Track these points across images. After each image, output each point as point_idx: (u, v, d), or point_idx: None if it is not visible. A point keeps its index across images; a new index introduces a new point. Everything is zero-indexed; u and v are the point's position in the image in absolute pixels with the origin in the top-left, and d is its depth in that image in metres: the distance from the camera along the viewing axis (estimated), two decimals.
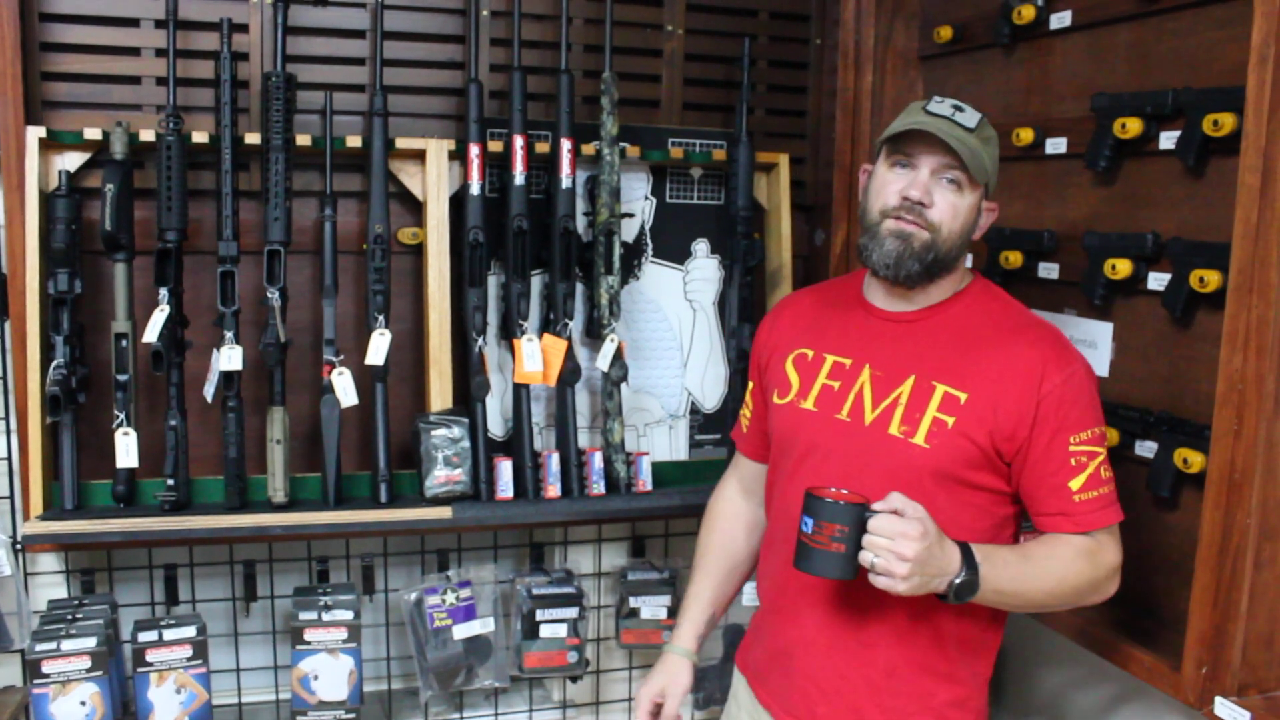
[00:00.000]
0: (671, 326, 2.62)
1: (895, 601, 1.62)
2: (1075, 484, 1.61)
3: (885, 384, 1.69)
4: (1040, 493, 1.63)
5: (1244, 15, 1.58)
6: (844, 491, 1.53)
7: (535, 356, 2.36)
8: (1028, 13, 2.09)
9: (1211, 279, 1.68)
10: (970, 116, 1.65)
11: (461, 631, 2.39)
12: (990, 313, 1.72)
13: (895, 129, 1.66)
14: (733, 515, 2.04)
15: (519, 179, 2.35)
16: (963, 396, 1.63)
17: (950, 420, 1.62)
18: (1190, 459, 1.73)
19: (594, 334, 2.46)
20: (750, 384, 1.99)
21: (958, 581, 1.51)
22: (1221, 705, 1.61)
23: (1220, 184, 1.73)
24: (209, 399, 2.24)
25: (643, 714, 1.92)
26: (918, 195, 1.63)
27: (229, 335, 2.19)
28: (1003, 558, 1.57)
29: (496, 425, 2.47)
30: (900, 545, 1.45)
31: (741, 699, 1.93)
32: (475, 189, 2.33)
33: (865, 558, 1.48)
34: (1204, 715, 1.65)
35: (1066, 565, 1.61)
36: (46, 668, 2.12)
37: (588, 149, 2.42)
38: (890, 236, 1.65)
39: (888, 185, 1.67)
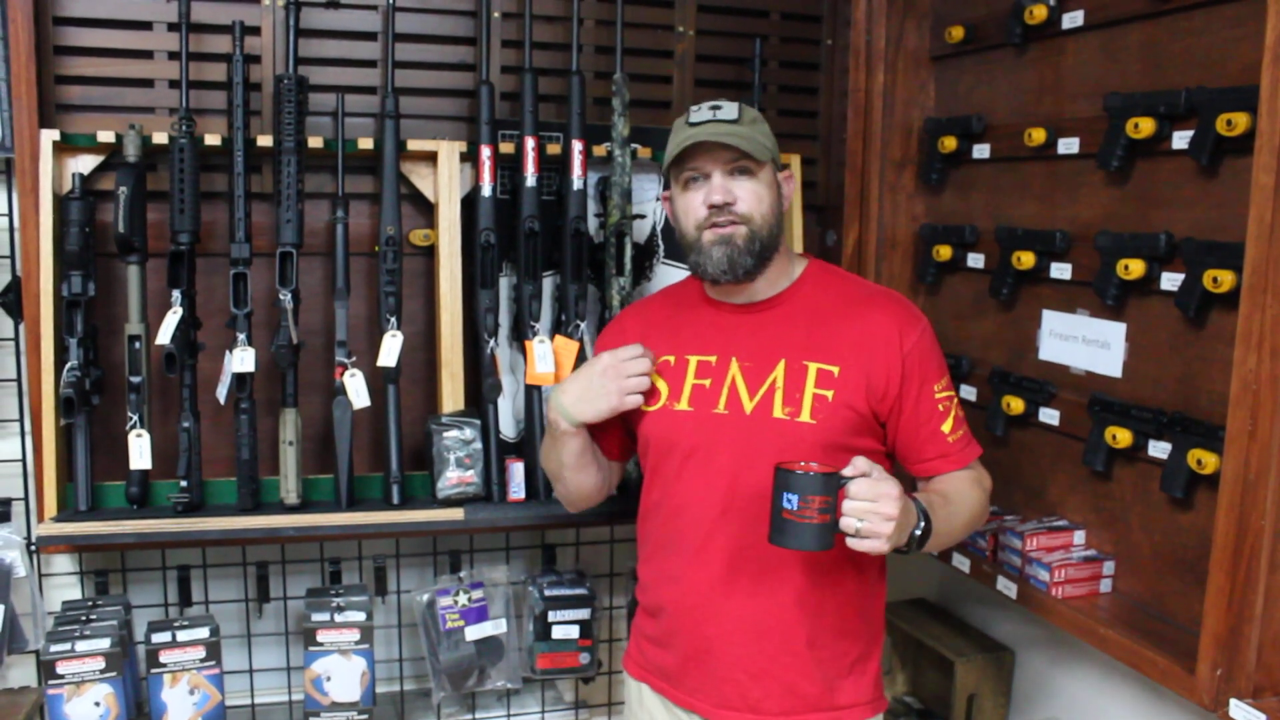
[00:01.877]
0: None
1: (804, 577, 1.73)
2: (946, 427, 1.77)
3: (757, 372, 1.76)
4: (917, 441, 1.77)
5: (1257, 14, 1.57)
6: (813, 464, 1.56)
7: (547, 358, 2.36)
8: (1039, 12, 2.08)
9: (1225, 279, 1.67)
10: (729, 110, 1.74)
11: (474, 633, 2.39)
12: (836, 289, 1.83)
13: (674, 152, 1.73)
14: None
15: (530, 180, 2.35)
16: (836, 370, 1.73)
17: (830, 394, 1.72)
18: (1204, 460, 1.72)
19: None
20: None
21: (918, 533, 1.60)
22: (1236, 707, 1.61)
23: (1234, 184, 1.72)
24: (222, 401, 2.24)
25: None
26: (720, 198, 1.72)
27: (241, 337, 2.20)
28: (936, 502, 1.68)
29: (508, 427, 2.47)
30: (884, 505, 1.50)
31: (650, 705, 1.92)
32: (487, 190, 2.34)
33: (849, 524, 1.51)
34: (1219, 717, 1.64)
35: (969, 496, 1.77)
36: (61, 668, 2.13)
37: (599, 150, 2.42)
38: (714, 245, 1.73)
39: (691, 203, 1.76)
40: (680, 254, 2.59)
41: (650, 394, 1.83)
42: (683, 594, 1.82)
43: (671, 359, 1.84)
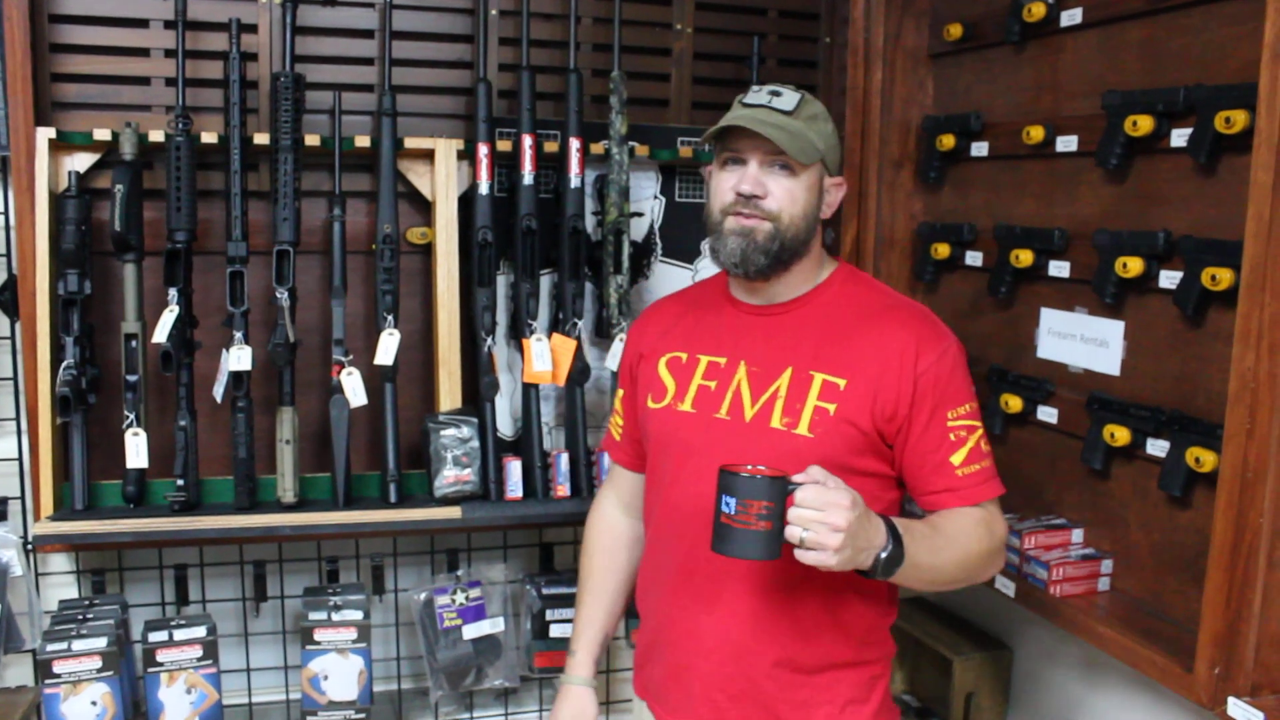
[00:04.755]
0: None
1: (796, 596, 1.63)
2: (957, 459, 1.62)
3: (762, 378, 1.68)
4: (924, 471, 1.64)
5: (1256, 11, 1.57)
6: (760, 467, 1.46)
7: (544, 356, 2.36)
8: (1038, 10, 2.08)
9: (1224, 277, 1.67)
10: (788, 99, 1.65)
11: (471, 631, 2.39)
12: (858, 297, 1.73)
13: (716, 129, 1.64)
14: (613, 535, 1.97)
15: (528, 178, 2.35)
16: (842, 383, 1.63)
17: (832, 408, 1.62)
18: (1202, 458, 1.72)
19: (603, 333, 2.46)
20: (620, 391, 1.94)
21: (884, 555, 1.47)
22: (1234, 705, 1.60)
23: (1232, 181, 1.72)
24: (218, 399, 2.24)
25: None
26: (749, 189, 1.63)
27: (238, 336, 2.19)
28: (919, 530, 1.56)
29: (506, 425, 2.47)
30: (832, 515, 1.40)
31: None
32: (484, 188, 2.33)
33: (794, 533, 1.41)
34: (1217, 715, 1.64)
35: (969, 534, 1.61)
36: (57, 668, 2.13)
37: (597, 148, 2.42)
38: (732, 234, 1.65)
39: (723, 184, 1.67)
40: (678, 252, 2.61)
41: (657, 389, 1.78)
42: (666, 605, 1.76)
43: (683, 356, 1.77)
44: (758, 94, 1.66)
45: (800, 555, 1.42)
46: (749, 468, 1.46)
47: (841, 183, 1.74)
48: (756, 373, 1.69)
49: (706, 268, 2.62)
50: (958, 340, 1.68)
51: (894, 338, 1.64)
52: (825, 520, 1.40)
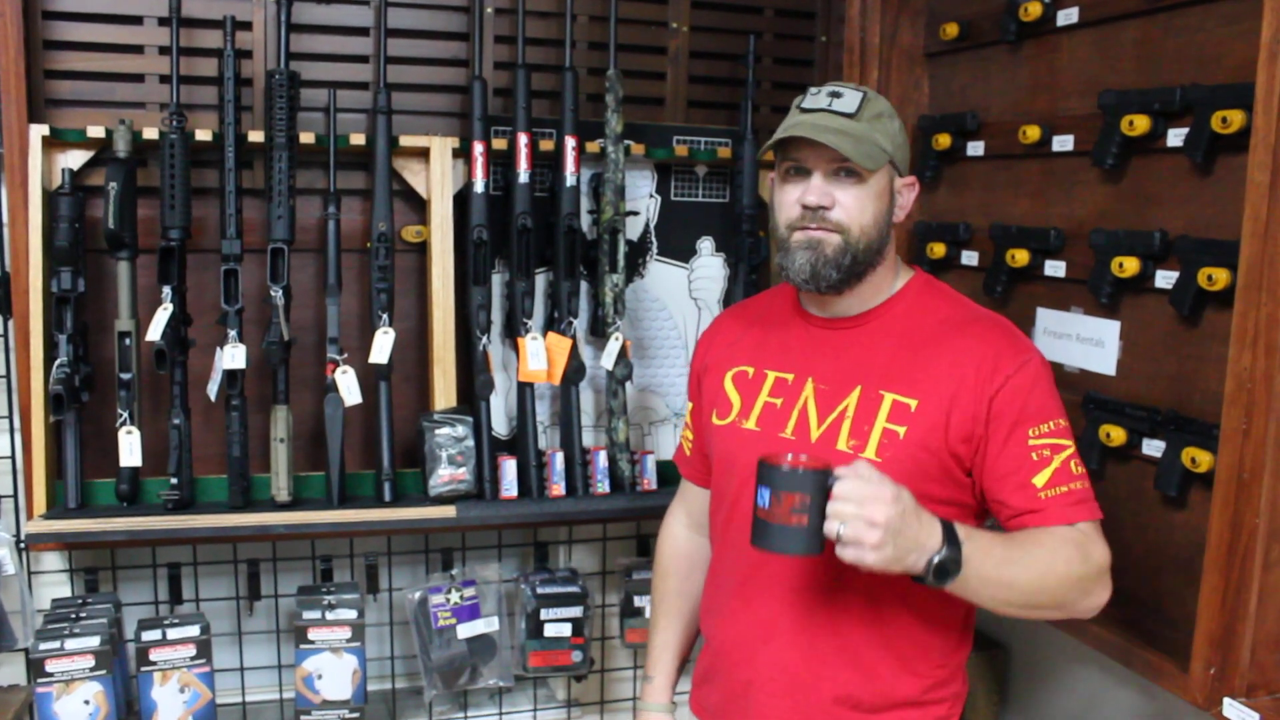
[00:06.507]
0: (676, 325, 2.61)
1: (856, 629, 1.55)
2: (1040, 480, 1.50)
3: (830, 397, 1.59)
4: (1004, 493, 1.52)
5: (1253, 11, 1.57)
6: (803, 458, 1.37)
7: (540, 355, 2.35)
8: (1034, 9, 2.07)
9: (1220, 277, 1.67)
10: (850, 100, 1.54)
11: (465, 630, 2.39)
12: (935, 310, 1.64)
13: (775, 139, 1.56)
14: (686, 556, 1.90)
15: (523, 177, 2.34)
16: (913, 404, 1.53)
17: (901, 430, 1.53)
18: (1198, 458, 1.72)
19: (598, 332, 2.45)
20: (690, 404, 1.88)
21: (937, 559, 1.35)
22: (1230, 706, 1.60)
23: (1229, 181, 1.71)
24: (212, 398, 2.24)
25: None
26: (815, 200, 1.53)
27: (232, 334, 2.19)
28: (987, 538, 1.43)
29: (501, 424, 2.46)
30: (870, 509, 1.30)
31: None
32: (479, 187, 2.33)
33: (831, 527, 1.32)
34: (1212, 716, 1.64)
35: (1054, 551, 1.47)
36: (50, 667, 2.12)
37: (592, 147, 2.41)
38: (800, 249, 1.55)
39: (787, 197, 1.58)
40: (674, 251, 2.60)
41: (723, 405, 1.70)
42: (725, 628, 1.69)
43: (750, 370, 1.70)
44: (816, 97, 1.57)
45: (839, 551, 1.34)
46: (789, 457, 1.38)
47: (914, 182, 1.65)
48: (824, 391, 1.60)
49: (703, 266, 2.62)
50: (1041, 354, 1.58)
51: (971, 352, 1.54)
52: (863, 514, 1.31)
